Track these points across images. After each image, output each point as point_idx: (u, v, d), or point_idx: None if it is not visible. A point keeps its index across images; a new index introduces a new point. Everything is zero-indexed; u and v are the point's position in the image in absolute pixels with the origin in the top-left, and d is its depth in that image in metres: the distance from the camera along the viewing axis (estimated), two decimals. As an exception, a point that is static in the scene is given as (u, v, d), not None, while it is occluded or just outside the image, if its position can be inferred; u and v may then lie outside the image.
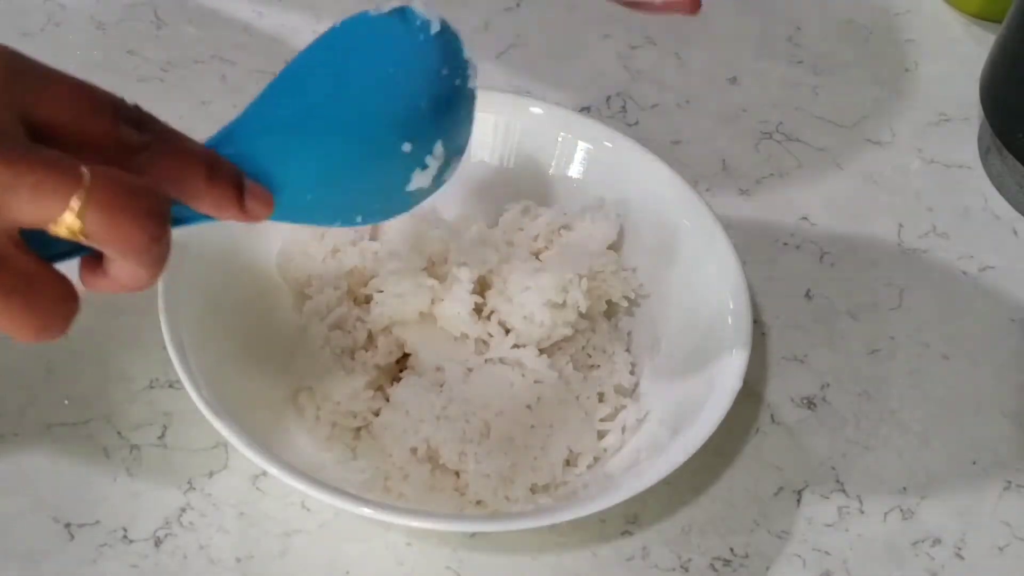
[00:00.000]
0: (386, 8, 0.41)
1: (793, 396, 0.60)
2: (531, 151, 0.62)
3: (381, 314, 0.54)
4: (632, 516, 0.54)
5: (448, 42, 0.42)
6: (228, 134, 0.40)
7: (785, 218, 0.68)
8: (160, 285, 0.51)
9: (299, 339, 0.55)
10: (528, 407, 0.53)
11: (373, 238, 0.58)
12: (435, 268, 0.56)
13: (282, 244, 0.58)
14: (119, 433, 0.55)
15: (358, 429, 0.54)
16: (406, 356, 0.56)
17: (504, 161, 0.62)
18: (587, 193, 0.61)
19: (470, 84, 0.43)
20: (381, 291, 0.55)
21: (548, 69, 0.74)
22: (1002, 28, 0.70)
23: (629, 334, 0.59)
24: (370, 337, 0.55)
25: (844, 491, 0.57)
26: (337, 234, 0.57)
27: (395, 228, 0.57)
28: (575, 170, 0.61)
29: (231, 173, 0.38)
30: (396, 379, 0.55)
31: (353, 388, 0.53)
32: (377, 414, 0.54)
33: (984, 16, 0.81)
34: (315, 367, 0.53)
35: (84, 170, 0.34)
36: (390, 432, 0.53)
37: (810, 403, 0.60)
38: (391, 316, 0.54)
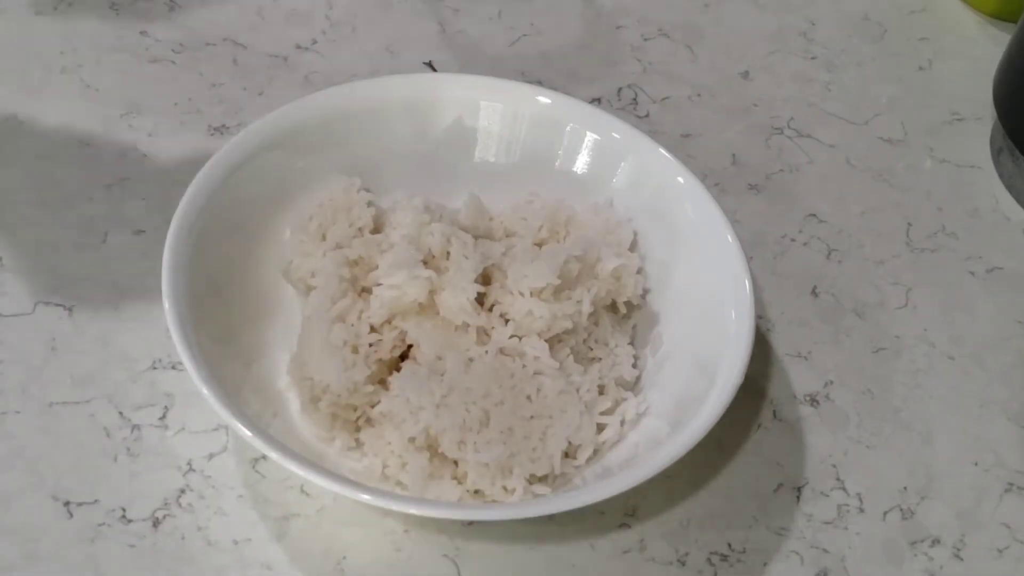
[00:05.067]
0: None
1: (796, 393, 0.60)
2: (538, 141, 0.61)
3: (380, 306, 0.54)
4: (631, 509, 0.54)
5: None
6: None
7: (793, 214, 0.68)
8: (164, 266, 0.51)
9: (303, 328, 0.55)
10: (528, 398, 0.53)
11: (376, 230, 0.58)
12: (436, 260, 0.56)
13: (286, 251, 0.57)
14: (120, 413, 0.55)
15: (358, 419, 0.54)
16: (409, 348, 0.56)
17: (511, 150, 0.62)
18: (593, 184, 0.61)
19: None
20: (380, 284, 0.55)
21: (560, 59, 0.74)
22: (1017, 28, 0.69)
23: (634, 327, 0.59)
24: (373, 330, 0.55)
25: (844, 489, 0.57)
26: (339, 231, 0.57)
27: (398, 220, 0.57)
28: (582, 161, 0.61)
29: None
30: (397, 369, 0.55)
31: (354, 382, 0.53)
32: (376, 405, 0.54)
33: (1000, 16, 0.80)
34: (317, 359, 0.53)
35: None
36: (390, 420, 0.52)
37: (813, 400, 0.60)
38: (390, 308, 0.54)
